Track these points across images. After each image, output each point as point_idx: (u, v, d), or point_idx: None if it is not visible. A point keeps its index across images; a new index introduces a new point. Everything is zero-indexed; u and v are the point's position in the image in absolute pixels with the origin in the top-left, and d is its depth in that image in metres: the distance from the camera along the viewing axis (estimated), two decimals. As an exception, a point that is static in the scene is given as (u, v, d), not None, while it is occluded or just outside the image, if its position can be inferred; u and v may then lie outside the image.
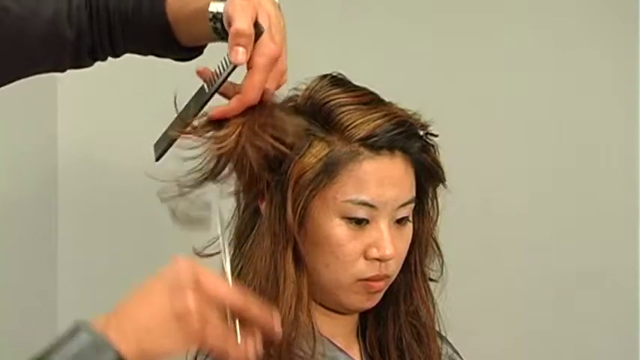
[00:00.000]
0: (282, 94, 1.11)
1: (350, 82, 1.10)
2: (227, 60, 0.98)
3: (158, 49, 1.13)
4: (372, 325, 1.16)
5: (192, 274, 0.85)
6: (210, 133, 1.00)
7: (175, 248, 1.12)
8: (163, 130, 1.05)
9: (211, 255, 1.11)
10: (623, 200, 1.86)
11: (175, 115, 1.03)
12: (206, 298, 0.85)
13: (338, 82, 1.09)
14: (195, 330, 0.84)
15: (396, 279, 1.12)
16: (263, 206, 1.07)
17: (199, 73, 1.03)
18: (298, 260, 1.06)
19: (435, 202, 1.15)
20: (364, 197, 1.05)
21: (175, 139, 1.00)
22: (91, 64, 1.15)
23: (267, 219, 1.06)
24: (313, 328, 1.07)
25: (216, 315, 0.85)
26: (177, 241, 1.09)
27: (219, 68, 1.00)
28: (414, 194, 1.09)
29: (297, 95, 1.10)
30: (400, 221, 1.08)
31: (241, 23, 0.95)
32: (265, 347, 1.00)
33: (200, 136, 0.99)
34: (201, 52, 1.13)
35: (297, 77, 1.11)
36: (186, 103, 1.03)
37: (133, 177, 1.35)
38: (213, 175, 1.01)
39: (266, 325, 0.87)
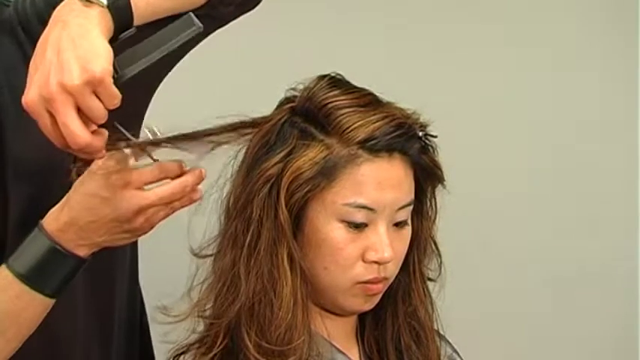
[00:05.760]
0: (280, 94, 1.11)
1: (348, 83, 1.09)
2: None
3: None
4: (370, 326, 1.16)
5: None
6: None
7: (174, 248, 1.12)
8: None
9: (210, 255, 1.11)
10: (623, 200, 1.86)
11: None
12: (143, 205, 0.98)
13: (336, 83, 1.08)
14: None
15: (394, 280, 1.11)
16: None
17: None
18: (293, 261, 1.05)
19: (433, 201, 1.14)
20: (363, 200, 1.04)
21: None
22: None
23: (262, 219, 1.05)
24: (310, 329, 1.07)
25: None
26: (175, 241, 1.09)
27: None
28: (412, 196, 1.08)
29: (295, 96, 1.09)
30: (399, 224, 1.08)
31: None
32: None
33: None
34: None
35: (296, 77, 1.10)
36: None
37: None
38: None
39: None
